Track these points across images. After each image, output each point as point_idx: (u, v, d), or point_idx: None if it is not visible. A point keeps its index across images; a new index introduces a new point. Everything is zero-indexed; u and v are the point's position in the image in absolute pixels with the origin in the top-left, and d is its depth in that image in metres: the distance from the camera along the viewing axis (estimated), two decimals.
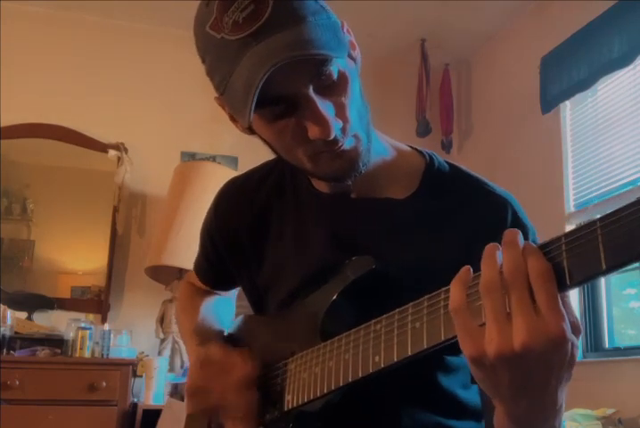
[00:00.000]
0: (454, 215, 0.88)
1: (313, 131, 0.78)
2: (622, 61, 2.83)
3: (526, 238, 0.88)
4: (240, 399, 0.85)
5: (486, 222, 0.87)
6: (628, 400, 2.58)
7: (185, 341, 1.10)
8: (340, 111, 0.80)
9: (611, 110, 3.02)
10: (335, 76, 0.79)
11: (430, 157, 0.95)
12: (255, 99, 0.73)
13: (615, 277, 3.03)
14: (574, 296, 3.06)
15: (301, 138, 0.80)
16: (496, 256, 0.56)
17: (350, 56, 0.83)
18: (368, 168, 0.87)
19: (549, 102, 3.30)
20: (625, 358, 2.76)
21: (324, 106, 0.78)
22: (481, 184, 0.93)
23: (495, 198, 0.90)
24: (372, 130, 0.88)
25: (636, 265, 2.93)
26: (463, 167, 0.96)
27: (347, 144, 0.81)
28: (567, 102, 3.28)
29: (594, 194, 3.06)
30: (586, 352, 3.01)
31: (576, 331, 0.54)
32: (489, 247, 0.57)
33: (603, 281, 3.03)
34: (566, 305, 0.54)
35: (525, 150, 3.56)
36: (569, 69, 3.14)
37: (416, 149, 0.98)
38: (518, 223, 0.88)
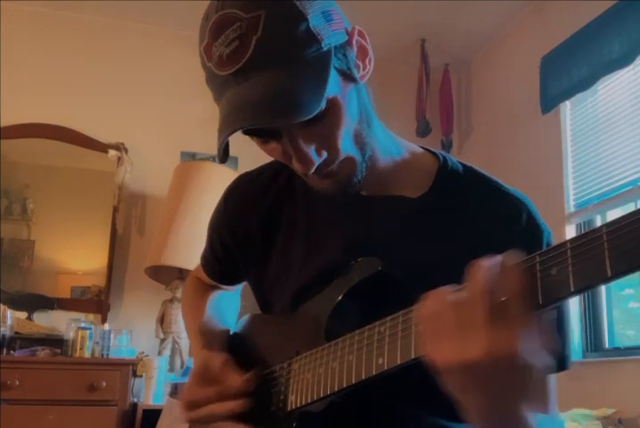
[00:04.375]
0: (467, 215, 0.87)
1: (295, 165, 0.80)
2: (622, 61, 2.82)
3: (540, 240, 0.87)
4: (224, 407, 0.86)
5: (500, 223, 0.86)
6: (628, 400, 2.58)
7: (191, 340, 1.10)
8: (327, 143, 0.79)
9: (611, 110, 3.02)
10: (323, 105, 0.75)
11: (444, 157, 0.94)
12: (222, 151, 0.76)
13: None
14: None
15: (290, 160, 0.81)
16: (480, 271, 0.58)
17: (349, 77, 0.80)
18: (378, 168, 0.87)
19: (549, 102, 3.30)
20: (625, 358, 2.76)
21: (306, 144, 0.78)
22: (496, 184, 0.92)
23: (509, 199, 0.89)
24: (375, 137, 0.86)
25: None
26: (477, 167, 0.95)
27: (336, 166, 0.82)
28: (567, 102, 3.27)
29: (594, 194, 3.06)
30: (586, 352, 3.01)
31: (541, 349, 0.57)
32: (477, 264, 0.59)
33: None
34: (540, 325, 0.57)
35: (525, 150, 3.56)
36: (569, 70, 3.14)
37: (429, 150, 0.97)
38: (532, 224, 0.87)
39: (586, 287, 0.50)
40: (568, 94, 3.18)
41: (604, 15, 2.95)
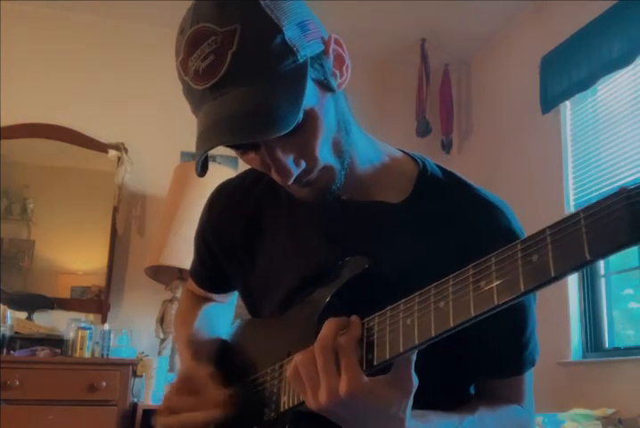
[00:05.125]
0: (447, 220, 0.88)
1: (274, 175, 0.80)
2: (622, 61, 2.83)
3: None
4: (197, 416, 0.86)
5: (478, 229, 0.86)
6: (628, 400, 2.58)
7: (181, 352, 1.10)
8: (305, 153, 0.80)
9: (611, 110, 3.02)
10: (300, 117, 0.75)
11: (423, 162, 0.94)
12: (200, 165, 0.77)
13: (614, 278, 3.03)
14: (574, 296, 3.06)
15: (269, 170, 0.82)
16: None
17: (326, 86, 0.80)
18: (357, 174, 0.88)
19: (549, 102, 3.30)
20: (625, 358, 2.76)
21: (284, 154, 0.78)
22: (474, 190, 0.92)
23: (488, 206, 0.89)
24: (354, 144, 0.87)
25: (636, 265, 2.91)
26: (456, 172, 0.95)
27: (315, 175, 0.82)
28: (567, 102, 3.28)
29: (594, 194, 3.06)
30: (586, 352, 3.01)
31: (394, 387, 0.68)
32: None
33: (602, 281, 3.03)
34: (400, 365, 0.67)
35: (525, 150, 3.56)
36: (569, 70, 3.14)
37: (408, 154, 0.97)
38: (509, 231, 0.87)
39: (566, 272, 0.51)
40: (568, 94, 3.18)
41: (604, 15, 2.95)
